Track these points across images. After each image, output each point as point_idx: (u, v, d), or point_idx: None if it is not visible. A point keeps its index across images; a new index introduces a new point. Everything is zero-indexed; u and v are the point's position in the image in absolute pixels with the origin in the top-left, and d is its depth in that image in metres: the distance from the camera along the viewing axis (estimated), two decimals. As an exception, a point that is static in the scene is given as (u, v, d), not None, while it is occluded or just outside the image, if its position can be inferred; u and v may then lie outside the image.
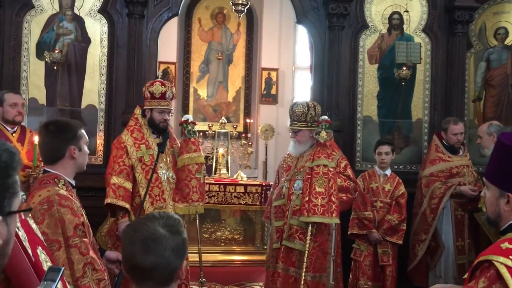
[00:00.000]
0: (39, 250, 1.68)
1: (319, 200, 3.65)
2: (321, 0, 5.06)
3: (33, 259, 1.57)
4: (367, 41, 5.16)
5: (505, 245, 1.67)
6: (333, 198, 3.67)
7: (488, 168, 1.88)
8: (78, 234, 2.17)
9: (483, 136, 4.35)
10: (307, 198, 3.69)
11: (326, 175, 3.71)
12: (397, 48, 5.12)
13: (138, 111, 3.91)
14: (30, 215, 1.84)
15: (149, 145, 3.77)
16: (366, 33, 5.15)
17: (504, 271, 1.59)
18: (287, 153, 4.23)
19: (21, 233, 1.58)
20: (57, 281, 1.43)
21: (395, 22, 5.18)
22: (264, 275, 4.31)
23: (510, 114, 5.22)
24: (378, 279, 4.33)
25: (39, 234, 1.80)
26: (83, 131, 2.37)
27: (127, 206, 3.61)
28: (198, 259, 4.25)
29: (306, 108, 3.87)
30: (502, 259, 1.61)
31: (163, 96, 3.78)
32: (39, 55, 4.74)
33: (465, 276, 1.83)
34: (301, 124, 3.88)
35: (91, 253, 2.20)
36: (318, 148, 3.82)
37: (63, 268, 1.52)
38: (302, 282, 3.65)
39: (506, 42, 5.30)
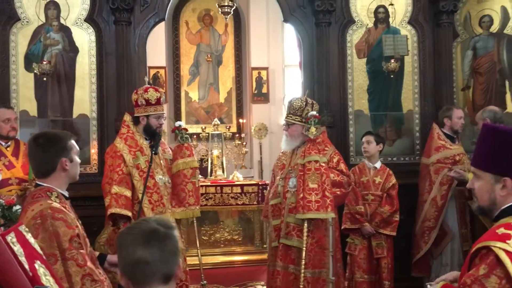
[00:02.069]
0: (37, 264, 1.69)
1: (313, 196, 3.67)
2: (306, -2, 5.08)
3: (30, 274, 1.58)
4: (354, 36, 5.19)
5: (501, 230, 1.69)
6: (327, 193, 3.70)
7: (477, 157, 1.87)
8: (74, 246, 2.17)
9: (479, 122, 4.38)
10: (301, 195, 3.71)
11: (318, 170, 3.73)
12: (384, 41, 5.15)
13: (128, 118, 3.91)
14: (27, 229, 1.85)
15: (144, 151, 3.79)
16: (353, 28, 5.18)
17: (503, 256, 1.61)
18: (282, 151, 4.25)
19: (17, 248, 1.59)
20: None
21: (381, 15, 5.21)
22: (265, 274, 4.34)
23: (499, 100, 5.26)
24: (374, 272, 4.36)
25: (37, 248, 1.81)
26: (73, 141, 2.36)
27: (130, 214, 3.63)
28: (198, 262, 4.26)
29: (303, 104, 3.92)
30: (500, 244, 1.64)
31: (158, 101, 3.82)
32: (28, 67, 4.73)
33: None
34: (296, 118, 3.92)
35: (89, 264, 2.20)
36: (309, 145, 3.84)
37: (48, 287, 1.53)
38: (302, 279, 3.68)
39: (491, 30, 5.35)
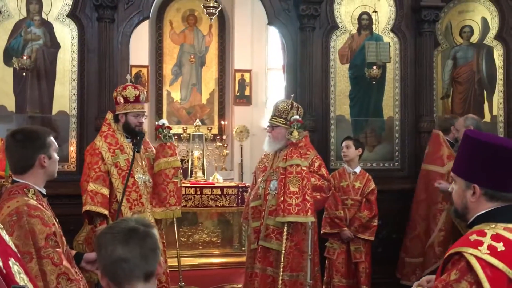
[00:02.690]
0: (12, 261, 1.65)
1: (294, 200, 3.69)
2: (291, 2, 5.10)
3: (4, 271, 1.54)
4: (338, 41, 5.23)
5: (474, 237, 1.72)
6: (307, 197, 3.71)
7: (455, 162, 1.93)
8: (50, 244, 2.13)
9: (460, 130, 4.40)
10: (282, 198, 3.72)
11: (300, 174, 3.75)
12: (367, 48, 5.21)
13: (110, 116, 3.88)
14: (1, 226, 1.81)
15: (124, 149, 3.76)
16: (337, 34, 5.22)
17: (474, 261, 1.63)
18: (264, 153, 4.25)
19: (-9, 245, 1.55)
20: None
21: (364, 22, 5.27)
22: (243, 276, 4.33)
23: (477, 109, 5.37)
24: (352, 276, 4.39)
25: (12, 245, 1.77)
26: (51, 138, 2.32)
27: (106, 212, 3.59)
28: (177, 263, 4.22)
29: (289, 107, 3.95)
30: (471, 250, 1.66)
31: (137, 99, 3.78)
32: (7, 61, 4.64)
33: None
34: (280, 120, 3.94)
35: (65, 263, 2.16)
36: (291, 148, 3.86)
37: (25, 287, 1.50)
38: (280, 281, 3.68)
39: (471, 40, 5.45)
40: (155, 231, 1.59)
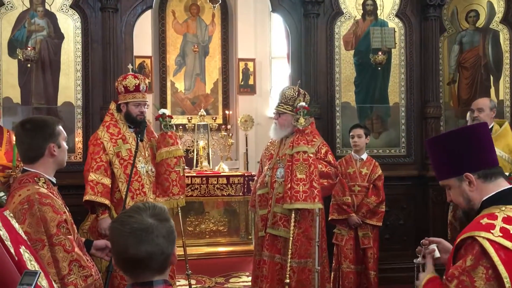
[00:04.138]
0: (22, 249, 1.67)
1: (301, 187, 3.68)
2: (295, -12, 5.06)
3: (16, 258, 1.55)
4: (342, 28, 5.19)
5: (485, 220, 1.71)
6: (314, 184, 3.71)
7: (436, 171, 1.95)
8: (62, 231, 2.14)
9: (485, 109, 4.16)
10: (289, 185, 3.72)
11: (307, 161, 3.74)
12: (372, 33, 5.17)
13: (113, 106, 3.90)
14: (12, 214, 1.82)
15: (126, 139, 3.76)
16: (341, 20, 5.18)
17: (487, 245, 1.62)
18: (270, 141, 4.24)
19: (3, 233, 1.57)
20: (33, 285, 1.42)
21: (369, 8, 5.22)
22: (250, 265, 4.35)
23: (484, 95, 5.31)
24: (360, 262, 4.40)
25: (22, 233, 1.79)
26: (60, 127, 2.33)
27: (107, 202, 3.61)
28: (183, 252, 4.25)
29: (296, 93, 3.94)
30: (484, 233, 1.65)
31: (137, 88, 3.77)
32: (12, 53, 4.64)
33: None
34: (287, 107, 3.93)
35: (77, 250, 2.17)
36: (297, 135, 3.85)
37: (39, 272, 1.51)
38: (288, 268, 3.69)
39: (477, 25, 5.40)
40: (171, 223, 1.54)
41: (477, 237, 1.66)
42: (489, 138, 1.89)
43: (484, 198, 1.80)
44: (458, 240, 1.74)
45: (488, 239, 1.64)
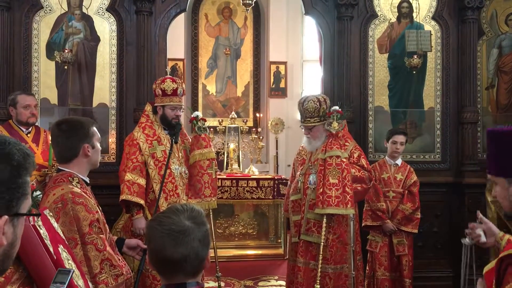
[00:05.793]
0: (61, 248, 1.69)
1: (333, 192, 3.63)
2: (329, -9, 5.01)
3: (55, 257, 1.57)
4: (377, 31, 5.11)
5: None
6: (347, 189, 3.65)
7: (490, 163, 1.84)
8: (94, 230, 2.17)
9: None
10: (321, 190, 3.67)
11: (339, 166, 3.69)
12: (407, 36, 5.07)
13: (148, 108, 3.95)
14: (51, 213, 1.85)
15: (161, 141, 3.81)
16: (375, 23, 5.10)
17: None
18: (301, 145, 4.19)
19: (43, 231, 1.59)
20: (66, 283, 1.44)
21: (404, 10, 5.12)
22: (279, 268, 4.32)
23: (524, 100, 5.15)
24: (395, 269, 4.32)
25: (60, 233, 1.81)
26: (95, 128, 2.37)
27: (142, 202, 3.66)
28: (213, 254, 4.25)
29: (318, 104, 3.84)
30: None
31: (174, 92, 3.82)
32: (50, 55, 4.75)
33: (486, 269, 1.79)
34: (315, 120, 3.85)
35: (108, 249, 2.20)
36: (330, 139, 3.80)
37: (72, 270, 1.52)
38: (320, 274, 3.64)
39: (518, 28, 5.22)
40: (207, 227, 1.54)
41: None
42: None
43: None
44: (501, 254, 1.65)
45: None
